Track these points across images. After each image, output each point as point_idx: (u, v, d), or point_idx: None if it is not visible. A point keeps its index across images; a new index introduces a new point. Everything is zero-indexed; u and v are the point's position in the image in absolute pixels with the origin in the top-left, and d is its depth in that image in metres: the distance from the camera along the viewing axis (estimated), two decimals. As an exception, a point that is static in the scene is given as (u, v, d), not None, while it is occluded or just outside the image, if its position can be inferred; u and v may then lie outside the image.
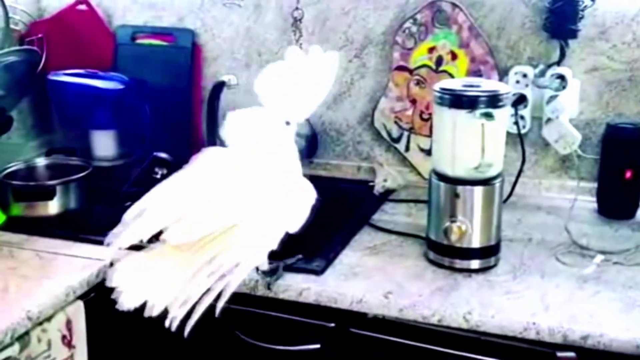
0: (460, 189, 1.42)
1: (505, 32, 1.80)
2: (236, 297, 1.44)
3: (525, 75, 1.77)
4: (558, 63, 1.75)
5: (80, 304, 1.46)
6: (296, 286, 1.41)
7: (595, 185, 1.75)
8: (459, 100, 1.40)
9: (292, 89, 1.35)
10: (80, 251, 1.59)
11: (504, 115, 1.42)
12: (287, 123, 1.35)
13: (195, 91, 2.07)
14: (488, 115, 1.37)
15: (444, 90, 1.42)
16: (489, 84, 1.45)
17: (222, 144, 1.88)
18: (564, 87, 1.73)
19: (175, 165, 1.89)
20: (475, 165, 1.40)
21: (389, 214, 1.76)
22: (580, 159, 1.78)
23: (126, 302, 1.23)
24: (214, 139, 1.91)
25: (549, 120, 1.76)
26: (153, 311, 1.21)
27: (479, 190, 1.42)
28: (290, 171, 1.35)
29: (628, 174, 1.67)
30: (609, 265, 1.47)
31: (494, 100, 1.39)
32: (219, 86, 1.84)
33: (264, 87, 1.35)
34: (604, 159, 1.72)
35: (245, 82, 2.02)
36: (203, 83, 2.07)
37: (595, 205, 1.75)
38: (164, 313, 1.22)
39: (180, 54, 2.06)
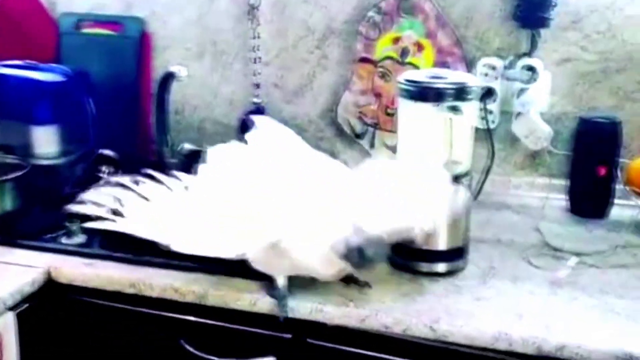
0: (426, 187, 1.32)
1: (473, 21, 1.70)
2: (183, 306, 1.34)
3: (493, 68, 1.68)
4: (528, 54, 1.66)
5: (10, 316, 1.34)
6: (249, 295, 1.30)
7: (567, 182, 1.66)
8: (424, 93, 1.30)
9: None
10: (15, 258, 1.47)
11: (471, 109, 1.32)
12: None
13: (144, 83, 1.95)
14: (456, 109, 1.27)
15: (408, 82, 1.32)
16: (456, 76, 1.35)
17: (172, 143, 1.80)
18: (534, 80, 1.64)
19: (121, 163, 1.78)
20: (442, 162, 1.29)
21: (352, 214, 1.65)
22: (551, 155, 1.69)
23: None
24: (163, 135, 1.79)
25: (518, 114, 1.67)
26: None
27: (446, 190, 1.32)
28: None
29: (602, 171, 1.58)
30: (584, 268, 1.38)
31: (461, 93, 1.29)
32: (168, 78, 1.71)
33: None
34: (577, 154, 1.63)
35: (199, 73, 1.93)
36: (152, 75, 1.94)
37: (566, 203, 1.66)
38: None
39: (127, 44, 1.93)
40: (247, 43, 1.86)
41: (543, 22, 1.62)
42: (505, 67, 1.66)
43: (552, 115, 1.69)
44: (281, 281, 1.28)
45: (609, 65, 1.64)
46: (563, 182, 1.67)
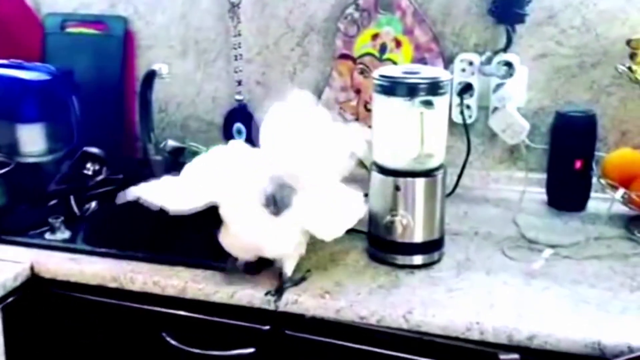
0: (401, 181, 1.35)
1: (450, 17, 1.72)
2: (163, 299, 1.37)
3: (471, 63, 1.70)
4: (505, 50, 1.68)
5: (-4, 310, 1.37)
6: (228, 288, 1.32)
7: (544, 176, 1.69)
8: (397, 88, 1.32)
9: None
10: (0, 253, 1.48)
11: (444, 104, 1.35)
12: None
13: (128, 82, 1.97)
14: (428, 104, 1.30)
15: (382, 77, 1.35)
16: (428, 71, 1.38)
17: (156, 140, 1.82)
18: (511, 75, 1.67)
19: (106, 160, 1.80)
20: (415, 156, 1.32)
21: (332, 209, 1.68)
22: (528, 149, 1.71)
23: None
24: (147, 132, 1.82)
25: (495, 109, 1.70)
26: None
27: (420, 183, 1.35)
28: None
29: (578, 164, 1.61)
30: (558, 259, 1.40)
31: (433, 88, 1.31)
32: (150, 76, 1.74)
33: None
34: (553, 148, 1.66)
35: (182, 71, 1.95)
36: (136, 73, 1.96)
37: (544, 197, 1.68)
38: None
39: (112, 43, 1.95)
40: (229, 41, 1.88)
41: (519, 18, 1.65)
42: (482, 63, 1.68)
43: (529, 109, 1.71)
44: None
45: (584, 60, 1.66)
46: (541, 176, 1.70)
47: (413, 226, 1.36)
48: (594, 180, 1.62)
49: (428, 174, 1.35)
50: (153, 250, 1.45)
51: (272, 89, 1.90)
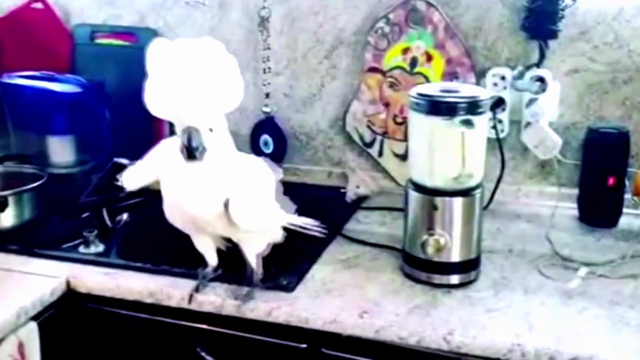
0: (439, 200, 1.35)
1: (482, 32, 1.72)
2: (200, 315, 1.37)
3: (503, 78, 1.70)
4: (537, 65, 1.68)
5: (33, 326, 1.36)
6: (265, 305, 1.33)
7: (575, 191, 1.69)
8: (436, 107, 1.32)
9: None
10: (35, 267, 1.49)
11: (483, 123, 1.34)
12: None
13: (158, 94, 1.97)
14: (468, 123, 1.29)
15: (420, 95, 1.34)
16: (467, 89, 1.37)
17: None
18: (543, 90, 1.67)
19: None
20: (455, 175, 1.32)
21: (363, 223, 1.68)
22: (560, 164, 1.71)
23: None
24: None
25: (528, 124, 1.70)
26: None
27: (458, 202, 1.35)
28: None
29: (611, 181, 1.60)
30: (593, 278, 1.40)
31: (473, 107, 1.31)
32: (183, 89, 1.74)
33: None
34: (586, 164, 1.66)
35: (211, 84, 1.94)
36: (166, 85, 1.97)
37: (575, 212, 1.68)
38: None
39: (142, 55, 1.94)
40: (257, 54, 1.88)
41: (551, 33, 1.64)
42: (515, 78, 1.68)
43: (561, 124, 1.71)
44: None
45: (617, 76, 1.66)
46: (573, 191, 1.69)
47: (450, 245, 1.36)
48: (627, 196, 1.62)
49: (466, 193, 1.35)
50: (188, 264, 1.45)
51: (299, 102, 1.91)
